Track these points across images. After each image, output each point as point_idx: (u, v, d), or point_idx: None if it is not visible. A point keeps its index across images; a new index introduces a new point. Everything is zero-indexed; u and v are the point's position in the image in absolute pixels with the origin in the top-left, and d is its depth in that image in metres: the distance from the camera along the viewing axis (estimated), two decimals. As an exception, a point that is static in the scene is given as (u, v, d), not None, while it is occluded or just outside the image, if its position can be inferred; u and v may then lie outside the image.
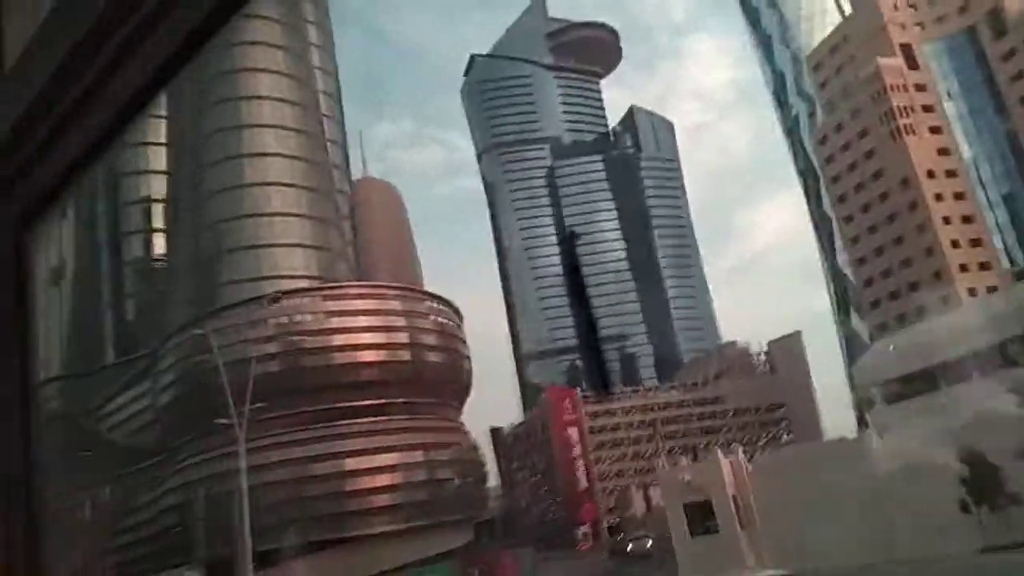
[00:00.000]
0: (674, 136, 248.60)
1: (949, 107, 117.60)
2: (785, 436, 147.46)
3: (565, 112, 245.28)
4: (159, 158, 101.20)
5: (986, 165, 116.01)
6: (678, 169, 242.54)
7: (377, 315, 77.88)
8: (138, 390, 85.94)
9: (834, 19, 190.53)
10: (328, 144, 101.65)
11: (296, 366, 74.17)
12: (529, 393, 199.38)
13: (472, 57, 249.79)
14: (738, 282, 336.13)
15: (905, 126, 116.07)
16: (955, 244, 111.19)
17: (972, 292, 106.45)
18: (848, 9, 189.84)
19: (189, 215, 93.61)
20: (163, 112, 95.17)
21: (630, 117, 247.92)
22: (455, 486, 74.67)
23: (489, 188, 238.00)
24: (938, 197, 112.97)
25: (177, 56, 2.15)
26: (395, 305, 79.89)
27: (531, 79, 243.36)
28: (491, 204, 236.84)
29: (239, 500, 45.01)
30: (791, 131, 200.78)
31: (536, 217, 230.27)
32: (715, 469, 38.59)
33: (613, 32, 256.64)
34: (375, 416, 73.90)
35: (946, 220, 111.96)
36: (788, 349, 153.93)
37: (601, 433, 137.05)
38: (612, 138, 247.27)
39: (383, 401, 74.84)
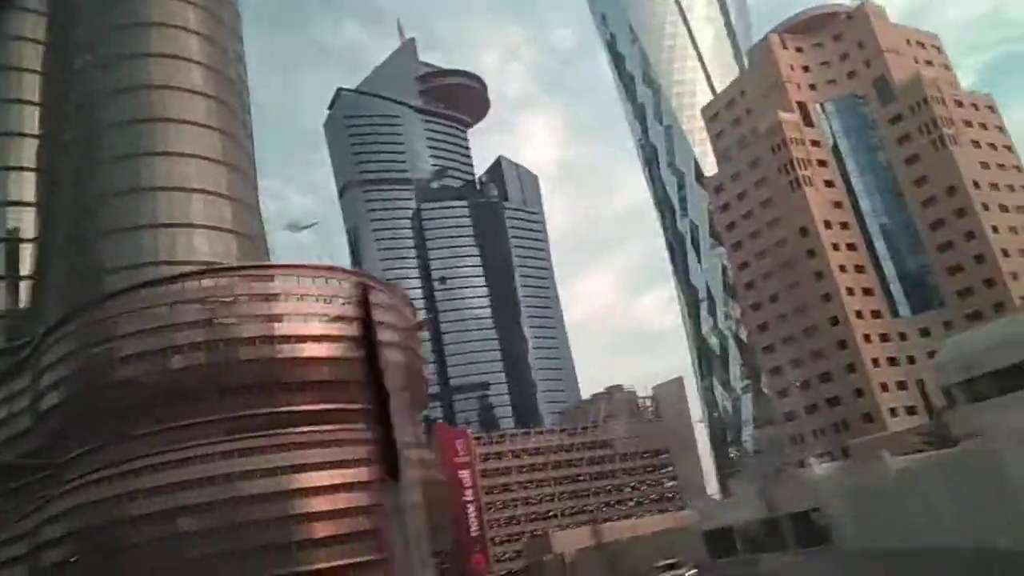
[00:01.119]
0: (539, 188, 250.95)
1: (839, 164, 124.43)
2: (668, 482, 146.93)
3: (432, 155, 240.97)
4: (30, 118, 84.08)
5: (874, 219, 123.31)
6: (542, 221, 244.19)
7: (330, 302, 66.30)
8: (7, 391, 68.38)
9: (705, 95, 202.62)
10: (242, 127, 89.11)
11: (228, 360, 61.34)
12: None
13: (338, 90, 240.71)
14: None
15: (804, 177, 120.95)
16: (850, 291, 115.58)
17: (867, 338, 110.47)
18: (717, 85, 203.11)
19: (71, 185, 77.72)
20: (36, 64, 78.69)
21: (497, 167, 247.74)
22: (421, 514, 63.84)
23: (351, 226, 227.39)
24: (835, 246, 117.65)
25: None
26: (350, 292, 68.75)
27: (399, 119, 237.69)
28: (352, 243, 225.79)
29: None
30: (662, 202, 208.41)
31: (400, 259, 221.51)
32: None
33: (481, 83, 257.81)
34: (323, 424, 62.10)
35: (842, 268, 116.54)
36: (671, 394, 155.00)
37: (492, 476, 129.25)
38: (479, 186, 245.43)
39: (334, 406, 63.15)
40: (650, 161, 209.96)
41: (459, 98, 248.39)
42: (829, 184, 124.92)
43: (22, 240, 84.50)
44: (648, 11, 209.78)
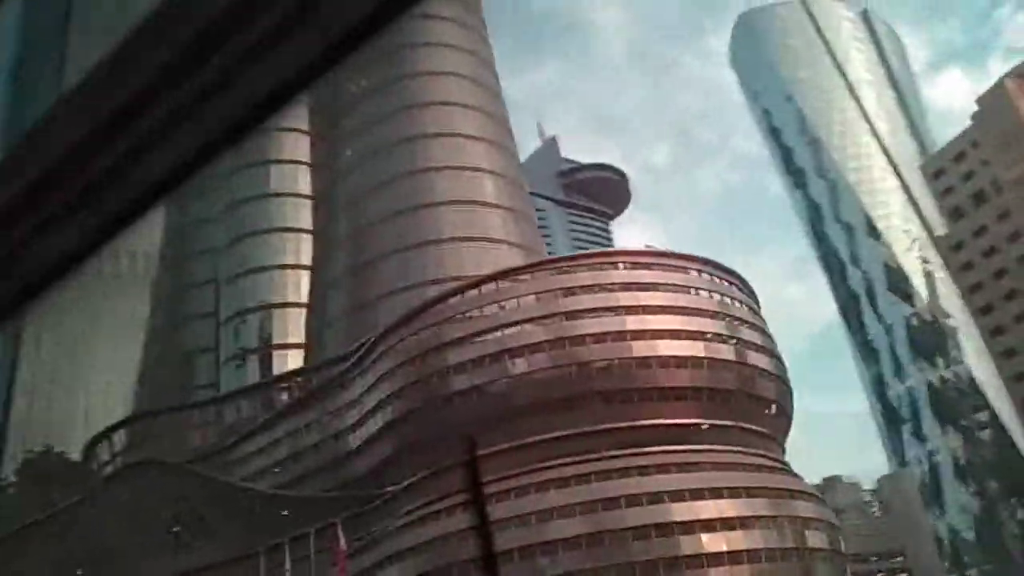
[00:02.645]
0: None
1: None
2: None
3: (576, 248, 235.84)
4: (301, 147, 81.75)
5: None
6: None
7: (682, 292, 56.41)
8: (310, 416, 60.50)
9: (869, 145, 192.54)
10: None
11: (574, 362, 51.76)
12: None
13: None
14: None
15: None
16: None
17: None
18: (882, 133, 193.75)
19: (349, 210, 73.42)
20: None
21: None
22: (829, 559, 50.71)
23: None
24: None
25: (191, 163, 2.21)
26: (703, 281, 58.55)
27: (544, 213, 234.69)
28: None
29: None
30: (831, 260, 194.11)
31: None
32: None
33: (622, 175, 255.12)
34: (688, 443, 50.84)
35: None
36: (900, 487, 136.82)
37: None
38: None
39: (698, 421, 52.04)
40: (813, 219, 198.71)
41: (601, 191, 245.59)
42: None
43: (301, 267, 79.61)
44: (802, 66, 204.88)
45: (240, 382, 74.49)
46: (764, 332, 58.48)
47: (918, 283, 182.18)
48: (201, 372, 79.03)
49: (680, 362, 51.93)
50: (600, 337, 51.86)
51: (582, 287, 55.04)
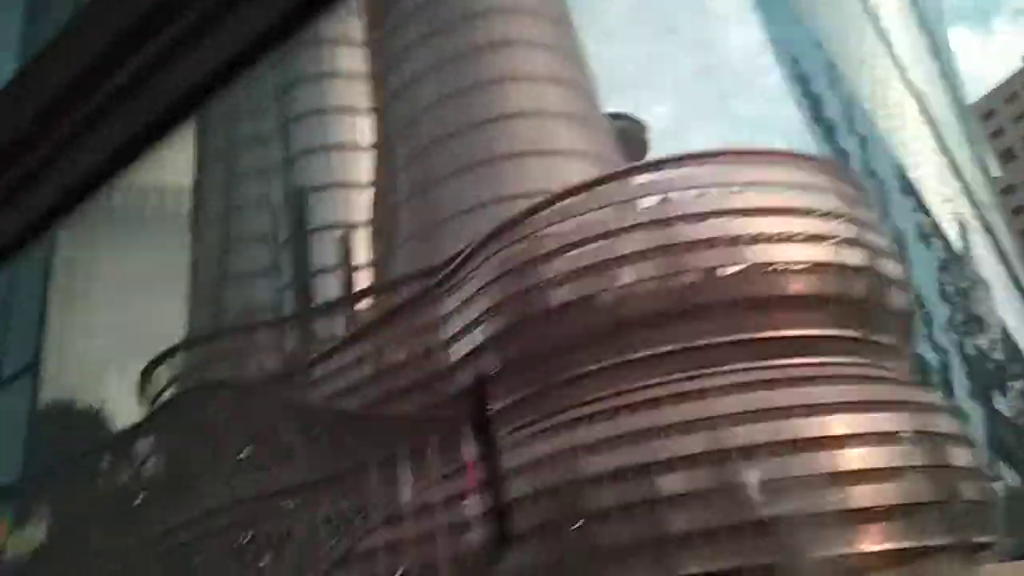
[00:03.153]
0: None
1: None
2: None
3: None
4: (358, 60, 77.54)
5: None
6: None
7: (806, 192, 51.35)
8: (394, 333, 56.84)
9: (898, 91, 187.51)
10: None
11: (690, 269, 47.52)
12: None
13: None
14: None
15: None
16: None
17: None
18: (916, 79, 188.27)
19: (411, 127, 69.63)
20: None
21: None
22: (973, 478, 47.24)
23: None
24: None
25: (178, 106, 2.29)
26: (827, 182, 53.23)
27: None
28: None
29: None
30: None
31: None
32: None
33: (639, 124, 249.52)
34: (816, 356, 47.26)
35: None
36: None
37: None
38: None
39: (825, 332, 47.64)
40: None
41: (619, 140, 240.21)
42: None
43: (362, 185, 75.65)
44: (832, 12, 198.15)
45: (305, 303, 71.28)
46: (889, 239, 54.86)
47: (951, 236, 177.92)
48: (259, 295, 75.29)
49: (807, 268, 47.88)
50: (718, 241, 47.76)
51: (695, 187, 50.86)
